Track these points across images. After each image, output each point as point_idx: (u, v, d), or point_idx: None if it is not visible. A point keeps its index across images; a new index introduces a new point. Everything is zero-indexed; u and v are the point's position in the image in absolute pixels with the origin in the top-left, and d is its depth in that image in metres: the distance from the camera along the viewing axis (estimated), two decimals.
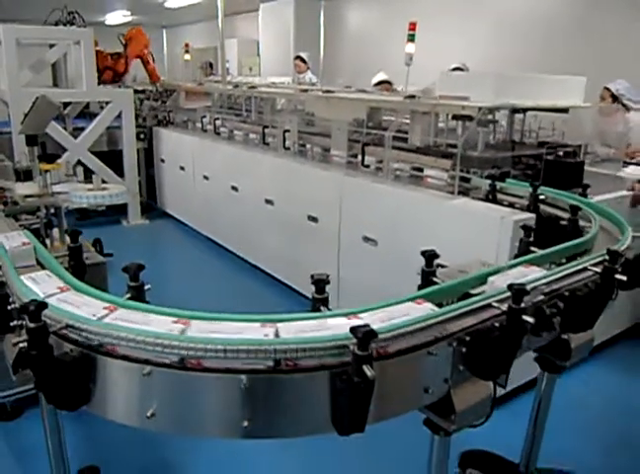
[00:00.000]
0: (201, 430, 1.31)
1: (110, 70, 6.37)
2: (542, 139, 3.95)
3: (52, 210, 2.82)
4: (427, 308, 1.40)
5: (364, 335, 1.11)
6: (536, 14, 6.89)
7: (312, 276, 1.43)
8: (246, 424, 1.20)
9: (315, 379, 1.20)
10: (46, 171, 2.63)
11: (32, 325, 1.21)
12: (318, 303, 1.45)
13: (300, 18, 9.86)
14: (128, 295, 1.46)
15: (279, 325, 1.27)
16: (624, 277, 1.69)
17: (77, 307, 1.36)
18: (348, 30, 9.88)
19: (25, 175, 2.84)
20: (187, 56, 8.47)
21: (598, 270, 1.71)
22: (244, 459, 2.64)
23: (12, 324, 1.60)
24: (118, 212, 6.29)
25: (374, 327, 1.15)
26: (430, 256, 1.66)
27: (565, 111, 3.73)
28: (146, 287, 1.50)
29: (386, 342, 1.23)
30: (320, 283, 1.43)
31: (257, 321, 1.28)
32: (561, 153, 3.51)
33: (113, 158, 6.46)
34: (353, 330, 1.12)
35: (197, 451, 2.68)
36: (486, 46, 7.35)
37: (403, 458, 2.57)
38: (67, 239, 2.85)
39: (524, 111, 3.78)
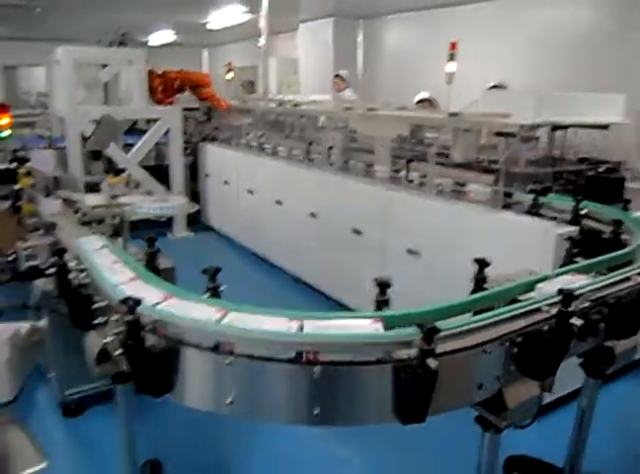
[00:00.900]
0: (276, 416, 1.44)
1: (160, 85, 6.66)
2: (583, 155, 4.02)
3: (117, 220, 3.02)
4: None
5: (429, 330, 1.23)
6: (575, 31, 6.94)
7: (376, 279, 1.57)
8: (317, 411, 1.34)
9: (380, 372, 1.33)
10: (114, 184, 2.83)
11: (130, 318, 1.37)
12: (380, 304, 1.58)
13: (339, 37, 10.07)
14: (207, 294, 1.62)
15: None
16: None
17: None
18: (386, 48, 10.06)
19: (93, 187, 3.07)
20: (229, 75, 8.74)
21: None
22: (297, 458, 2.78)
23: (95, 322, 1.79)
24: (163, 225, 6.52)
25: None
26: (482, 263, 1.77)
27: (605, 127, 3.80)
28: (221, 288, 1.66)
29: (447, 338, 1.36)
30: (383, 286, 1.56)
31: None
32: (601, 169, 3.57)
33: (159, 172, 6.73)
34: (419, 325, 1.25)
35: (252, 450, 2.83)
36: (525, 65, 7.41)
37: (452, 457, 2.65)
38: (132, 247, 3.06)
39: (565, 127, 3.85)
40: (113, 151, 5.81)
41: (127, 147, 6.35)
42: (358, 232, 4.14)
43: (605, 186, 3.33)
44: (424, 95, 6.14)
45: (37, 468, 2.68)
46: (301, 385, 1.32)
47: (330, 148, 4.67)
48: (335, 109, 5.22)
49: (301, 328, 1.34)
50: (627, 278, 1.84)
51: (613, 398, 3.14)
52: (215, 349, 1.35)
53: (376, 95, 9.11)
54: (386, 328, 1.36)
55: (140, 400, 2.22)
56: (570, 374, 2.18)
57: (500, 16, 7.81)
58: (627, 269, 1.87)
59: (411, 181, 3.86)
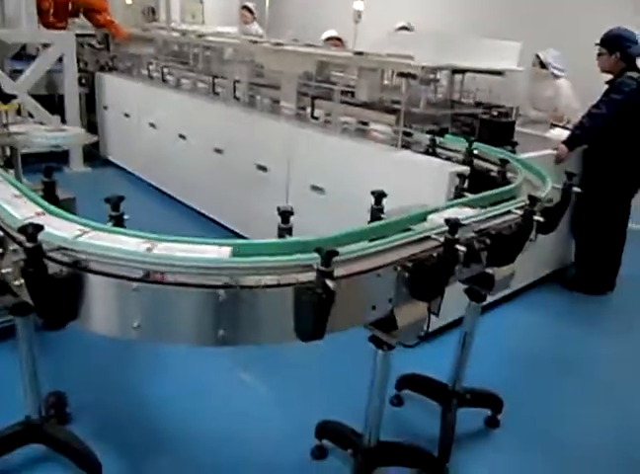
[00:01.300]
0: (182, 338, 1.50)
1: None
2: (479, 100, 4.23)
3: (8, 151, 2.86)
4: None
5: (328, 254, 1.33)
6: None
7: (278, 208, 1.63)
8: (222, 332, 1.41)
9: (283, 294, 1.41)
10: (5, 111, 2.66)
11: (29, 245, 1.35)
12: (283, 232, 1.66)
13: None
14: (111, 224, 1.62)
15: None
16: (542, 219, 1.98)
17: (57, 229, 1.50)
18: None
19: None
20: (128, 0, 8.20)
21: (520, 212, 1.99)
22: (201, 385, 2.88)
23: None
24: (58, 160, 6.18)
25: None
26: (379, 195, 1.89)
27: (500, 73, 4.01)
28: (125, 217, 1.66)
29: (344, 263, 1.46)
30: (285, 214, 1.64)
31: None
32: (495, 113, 3.79)
33: (52, 103, 6.31)
34: (317, 250, 1.33)
35: (156, 379, 2.89)
36: (430, 7, 7.54)
37: (349, 375, 2.85)
38: (25, 181, 2.92)
39: (464, 72, 4.02)
40: None
41: (16, 74, 5.87)
42: (263, 168, 4.17)
43: (497, 129, 3.55)
44: (331, 33, 6.12)
45: None
46: (207, 308, 1.38)
47: (236, 82, 4.59)
48: (241, 42, 5.09)
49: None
50: (508, 212, 2.03)
51: (493, 323, 3.49)
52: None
53: (284, 31, 8.93)
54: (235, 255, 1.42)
55: (41, 334, 2.22)
56: (457, 304, 2.42)
57: None
58: (508, 203, 2.06)
59: (316, 118, 3.91)
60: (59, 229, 1.49)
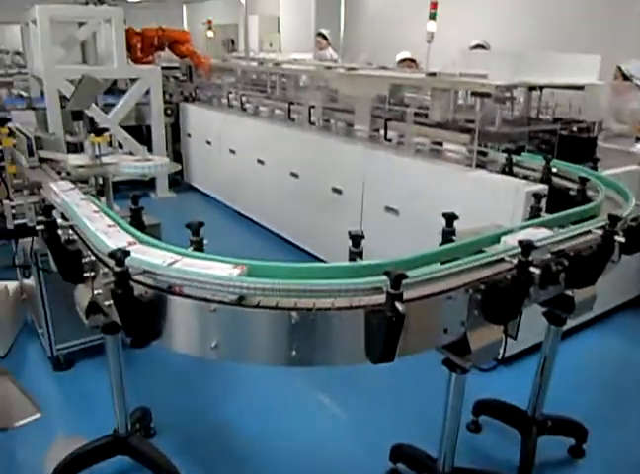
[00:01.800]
0: (256, 358, 1.55)
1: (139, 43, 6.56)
2: (558, 115, 4.10)
3: (101, 180, 3.07)
4: None
5: (397, 276, 1.34)
6: None
7: (349, 232, 1.67)
8: (294, 353, 1.45)
9: (354, 316, 1.44)
10: (97, 144, 2.87)
11: (118, 269, 1.46)
12: (354, 255, 1.69)
13: None
14: (191, 248, 1.71)
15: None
16: (623, 239, 1.90)
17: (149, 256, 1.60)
18: (368, 6, 9.96)
19: (76, 147, 3.11)
20: (210, 33, 8.63)
21: (600, 232, 1.92)
22: (279, 404, 2.94)
23: (85, 275, 1.87)
24: (145, 186, 6.56)
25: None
26: (450, 217, 1.89)
27: (580, 88, 3.88)
28: (205, 242, 1.75)
29: (415, 285, 1.47)
30: (356, 238, 1.67)
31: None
32: (575, 129, 3.67)
33: (140, 133, 6.72)
34: (387, 273, 1.36)
35: (235, 397, 2.98)
36: (506, 24, 7.44)
37: (424, 399, 2.82)
38: (115, 207, 3.13)
39: (541, 88, 3.93)
40: (93, 112, 5.79)
41: (108, 107, 6.31)
42: (338, 191, 4.23)
43: (577, 145, 3.44)
44: (405, 54, 6.17)
45: (31, 418, 2.82)
46: (280, 329, 1.43)
47: (311, 108, 4.71)
48: (316, 68, 5.22)
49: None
50: (587, 232, 1.97)
51: (575, 349, 3.35)
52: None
53: (358, 53, 9.05)
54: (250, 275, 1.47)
55: (128, 352, 2.36)
56: (538, 327, 2.35)
57: None
58: (587, 223, 1.99)
59: (389, 140, 3.93)
60: (146, 254, 1.60)
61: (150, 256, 1.58)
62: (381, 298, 1.41)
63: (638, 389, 3.16)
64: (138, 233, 1.79)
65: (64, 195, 2.22)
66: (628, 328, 3.79)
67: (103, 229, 1.83)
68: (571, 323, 3.20)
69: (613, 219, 1.88)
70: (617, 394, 3.10)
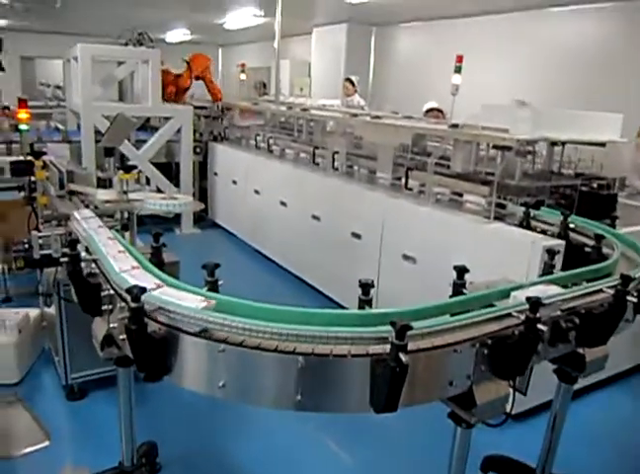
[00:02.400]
0: (262, 400, 1.58)
1: (172, 85, 6.82)
2: (580, 170, 4.13)
3: (126, 215, 3.17)
4: None
5: (401, 327, 1.37)
6: (580, 49, 7.09)
7: (360, 281, 1.70)
8: (299, 398, 1.47)
9: (358, 364, 1.46)
10: (126, 180, 2.98)
11: (134, 305, 1.52)
12: (363, 303, 1.72)
13: (352, 42, 10.25)
14: (206, 288, 1.76)
15: None
16: (635, 299, 1.90)
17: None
18: (397, 56, 10.21)
19: (106, 182, 3.23)
20: (242, 76, 8.89)
21: (612, 292, 1.92)
22: (287, 448, 2.92)
23: (103, 308, 1.93)
24: (171, 221, 6.70)
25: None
26: (460, 270, 1.91)
27: (602, 145, 3.91)
28: (220, 283, 1.80)
29: (420, 336, 1.49)
30: (366, 287, 1.70)
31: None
32: (595, 185, 3.69)
33: (169, 170, 6.91)
34: (392, 323, 1.38)
35: (243, 438, 2.97)
36: (529, 79, 7.56)
37: (430, 450, 2.78)
38: (138, 241, 3.21)
39: (563, 143, 3.97)
40: (125, 148, 6.00)
41: (139, 143, 6.52)
42: (357, 236, 4.28)
43: (597, 201, 3.46)
44: (432, 104, 6.28)
45: (40, 446, 2.85)
46: (286, 373, 1.46)
47: (335, 153, 4.81)
48: (342, 115, 5.35)
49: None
50: (599, 291, 1.97)
51: (589, 408, 3.29)
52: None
53: (385, 101, 9.25)
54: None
55: (139, 386, 2.39)
56: (550, 384, 2.33)
57: (508, 29, 7.97)
58: (599, 281, 1.99)
59: (410, 189, 3.99)
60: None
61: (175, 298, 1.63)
62: (386, 348, 1.43)
63: None
64: (142, 258, 1.86)
65: (88, 227, 2.32)
66: None
67: (113, 254, 1.91)
68: (585, 382, 3.16)
69: (625, 279, 1.89)
70: (629, 456, 3.02)
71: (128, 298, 1.53)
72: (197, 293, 1.65)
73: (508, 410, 1.85)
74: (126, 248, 2.08)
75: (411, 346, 1.43)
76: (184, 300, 1.58)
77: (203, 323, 1.49)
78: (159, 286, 1.70)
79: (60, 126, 7.21)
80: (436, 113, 6.23)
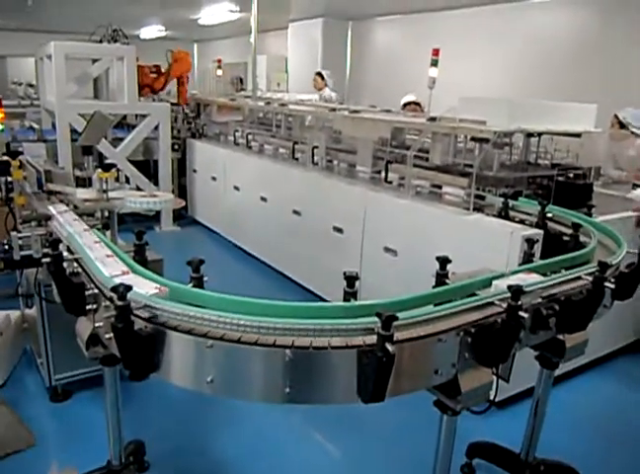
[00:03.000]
0: (251, 394, 1.59)
1: (148, 87, 6.75)
2: (556, 161, 4.20)
3: (107, 214, 3.15)
4: None
5: (387, 318, 1.39)
6: (555, 42, 7.18)
7: (344, 273, 1.72)
8: (288, 390, 1.49)
9: (345, 356, 1.48)
10: (105, 179, 2.96)
11: (120, 303, 1.51)
12: (348, 296, 1.74)
13: (328, 37, 10.24)
14: (191, 284, 1.76)
15: None
16: (613, 286, 1.95)
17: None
18: (374, 49, 10.23)
19: (85, 181, 3.20)
20: (219, 72, 8.85)
21: (590, 278, 1.97)
22: (274, 442, 2.94)
23: (88, 307, 1.92)
24: (151, 219, 6.66)
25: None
26: (443, 260, 1.94)
27: (577, 135, 3.98)
28: (205, 279, 1.80)
29: (405, 327, 1.52)
30: (351, 279, 1.72)
31: None
32: (571, 175, 3.76)
33: (147, 167, 6.86)
34: (378, 314, 1.40)
35: (229, 433, 2.98)
36: (506, 71, 7.64)
37: (417, 439, 2.82)
38: (119, 239, 3.19)
39: (539, 135, 4.03)
40: (102, 146, 5.93)
41: (117, 142, 6.45)
42: (338, 230, 4.31)
43: (573, 191, 3.52)
44: (410, 98, 6.32)
45: (24, 448, 2.82)
46: (274, 366, 1.47)
47: (314, 148, 4.82)
48: (320, 109, 5.36)
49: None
50: (578, 278, 2.01)
51: (571, 393, 3.36)
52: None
53: (363, 95, 9.28)
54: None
55: (125, 385, 2.38)
56: (531, 371, 2.38)
57: (484, 23, 8.03)
58: (578, 269, 2.04)
59: (390, 182, 4.02)
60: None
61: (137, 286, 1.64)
62: (373, 339, 1.45)
63: (632, 434, 3.15)
64: (132, 263, 1.86)
65: (64, 221, 2.32)
66: (625, 373, 3.79)
67: (101, 258, 1.91)
68: (567, 367, 3.23)
69: (602, 266, 1.93)
70: (611, 439, 3.10)
71: (114, 297, 1.53)
72: (158, 282, 1.70)
73: (491, 397, 1.89)
74: (105, 243, 2.08)
75: (397, 336, 1.45)
76: (138, 287, 1.62)
77: (185, 318, 1.50)
78: (124, 273, 1.74)
79: (35, 126, 7.09)
80: (414, 106, 6.27)
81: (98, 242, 2.12)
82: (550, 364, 2.29)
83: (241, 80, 10.06)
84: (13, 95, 9.50)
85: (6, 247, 2.47)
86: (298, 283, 4.95)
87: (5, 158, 3.34)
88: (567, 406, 3.24)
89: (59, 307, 1.98)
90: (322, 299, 4.50)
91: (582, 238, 2.52)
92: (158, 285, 1.66)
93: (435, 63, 4.90)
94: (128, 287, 1.53)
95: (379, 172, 4.22)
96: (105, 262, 1.90)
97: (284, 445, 2.94)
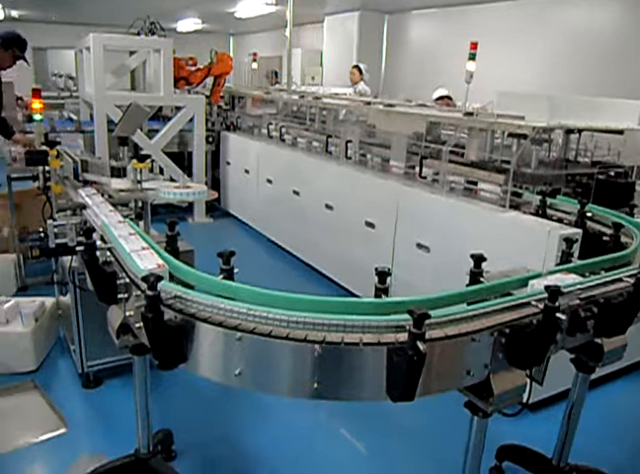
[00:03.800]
0: (278, 388, 1.58)
1: (184, 80, 6.78)
2: (597, 159, 4.08)
3: (140, 204, 3.18)
4: None
5: (419, 316, 1.36)
6: (599, 36, 6.97)
7: (376, 269, 1.69)
8: (316, 386, 1.47)
9: (376, 353, 1.45)
10: (139, 169, 2.98)
11: (150, 293, 1.51)
12: (379, 292, 1.71)
13: (364, 30, 10.17)
14: (221, 276, 1.76)
15: None
16: None
17: None
18: (410, 43, 10.11)
19: (119, 172, 3.24)
20: (254, 65, 8.88)
21: (631, 281, 1.89)
22: (300, 436, 2.94)
23: (119, 296, 1.93)
24: (184, 210, 6.73)
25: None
26: (478, 258, 1.89)
27: (620, 132, 3.86)
28: (235, 271, 1.79)
29: (438, 325, 1.48)
30: (382, 275, 1.69)
31: None
32: (613, 173, 3.64)
33: (181, 159, 6.92)
34: (410, 311, 1.37)
35: (257, 425, 2.99)
36: (545, 67, 7.46)
37: (445, 440, 2.78)
38: (152, 230, 3.21)
39: (579, 131, 3.92)
40: (138, 137, 6.01)
41: (152, 133, 6.52)
42: (371, 225, 4.26)
43: (614, 190, 3.41)
44: (442, 92, 6.23)
45: (55, 433, 2.88)
46: (302, 361, 1.45)
47: (348, 142, 4.78)
48: (355, 103, 5.32)
49: None
50: (619, 280, 1.94)
51: (607, 398, 3.26)
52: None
53: (398, 89, 9.18)
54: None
55: (155, 374, 2.40)
56: (568, 373, 2.31)
57: (522, 16, 7.85)
58: (619, 270, 1.97)
59: (424, 177, 3.96)
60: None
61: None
62: (403, 336, 1.42)
63: None
64: (170, 257, 1.86)
65: (103, 216, 2.33)
66: None
67: (137, 250, 1.91)
68: (604, 371, 3.14)
69: None
70: None
71: (145, 286, 1.53)
72: (189, 274, 1.72)
73: (524, 400, 1.84)
74: (140, 234, 2.09)
75: (429, 334, 1.41)
76: (141, 260, 1.77)
77: (215, 310, 1.50)
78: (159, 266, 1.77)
79: (73, 116, 7.22)
80: (446, 100, 6.18)
81: (133, 234, 2.12)
82: (587, 368, 2.22)
83: (276, 73, 10.08)
84: (53, 86, 9.70)
85: (42, 235, 2.50)
86: (329, 278, 4.93)
87: (43, 148, 3.40)
88: (602, 411, 3.15)
89: (92, 295, 2.01)
90: (353, 295, 4.47)
91: (623, 239, 2.43)
92: (160, 262, 1.77)
93: (472, 57, 4.82)
94: (159, 277, 1.53)
95: (413, 167, 4.16)
96: (141, 255, 1.90)
97: (311, 440, 2.93)
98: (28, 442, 2.79)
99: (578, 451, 2.42)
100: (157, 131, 6.48)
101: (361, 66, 8.02)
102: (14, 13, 12.57)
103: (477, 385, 1.66)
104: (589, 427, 2.44)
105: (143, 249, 1.93)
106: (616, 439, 3.02)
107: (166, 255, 1.88)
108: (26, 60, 4.69)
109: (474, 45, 4.85)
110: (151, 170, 3.33)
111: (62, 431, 2.89)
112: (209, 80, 7.18)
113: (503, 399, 1.69)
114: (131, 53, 6.69)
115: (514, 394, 1.72)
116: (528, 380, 1.80)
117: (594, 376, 2.34)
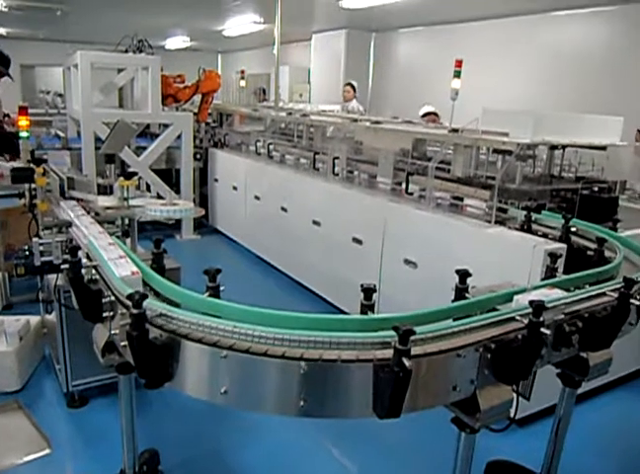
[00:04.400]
0: (265, 406, 1.57)
1: (171, 97, 6.81)
2: (581, 174, 4.13)
3: (127, 221, 3.17)
4: None
5: (404, 332, 1.36)
6: (578, 53, 7.12)
7: (362, 286, 1.70)
8: (302, 404, 1.46)
9: (361, 370, 1.45)
10: (126, 187, 2.98)
11: (135, 311, 1.51)
12: (365, 308, 1.71)
13: (351, 48, 10.28)
14: (207, 293, 1.75)
15: None
16: (638, 303, 1.89)
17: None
18: (397, 61, 10.23)
19: (106, 189, 3.23)
20: (242, 83, 8.92)
21: (615, 295, 1.91)
22: (288, 454, 2.91)
23: (104, 315, 1.92)
24: (171, 227, 6.70)
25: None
26: (463, 274, 1.90)
27: (603, 148, 3.91)
28: (221, 288, 1.79)
29: (423, 341, 1.48)
30: (368, 292, 1.70)
31: None
32: (596, 188, 3.68)
33: (169, 176, 6.91)
34: (395, 328, 1.37)
35: (245, 444, 2.96)
36: (530, 84, 7.58)
37: (433, 456, 2.77)
38: (139, 247, 3.20)
39: (563, 147, 3.97)
40: (125, 155, 5.99)
41: (140, 150, 6.52)
42: (358, 241, 4.28)
43: (598, 205, 3.45)
44: (428, 108, 6.31)
45: (40, 454, 2.83)
46: (288, 379, 1.45)
47: (335, 158, 4.81)
48: (342, 120, 5.36)
49: None
50: (602, 294, 1.96)
51: (595, 412, 3.27)
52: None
53: (385, 106, 9.28)
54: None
55: (141, 393, 2.38)
56: (554, 388, 2.32)
57: (507, 34, 7.99)
58: (602, 285, 1.99)
59: (411, 193, 3.99)
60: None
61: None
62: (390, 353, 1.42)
63: None
64: (143, 265, 1.86)
65: (88, 234, 2.33)
66: None
67: (114, 258, 1.94)
68: (591, 385, 3.15)
69: (629, 282, 1.88)
70: (635, 460, 3.00)
71: (130, 304, 1.53)
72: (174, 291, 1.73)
73: (511, 415, 1.84)
74: (123, 249, 2.09)
75: (414, 350, 1.42)
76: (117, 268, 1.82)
77: (200, 328, 1.49)
78: (134, 274, 1.83)
79: (61, 134, 7.20)
80: (432, 116, 6.26)
81: (112, 244, 2.13)
82: (573, 383, 2.23)
83: (264, 91, 10.12)
84: (41, 103, 9.67)
85: (27, 253, 2.49)
86: (317, 294, 4.92)
87: (30, 165, 3.39)
88: (590, 425, 3.16)
89: (78, 314, 1.99)
90: (341, 311, 4.47)
91: (607, 253, 2.47)
92: (135, 269, 1.83)
93: (457, 75, 4.86)
94: (144, 295, 1.52)
95: (400, 183, 4.18)
96: (117, 263, 1.91)
97: (299, 458, 2.91)
98: (12, 464, 2.74)
99: (566, 466, 2.42)
100: (145, 149, 6.48)
101: (354, 83, 8.10)
102: (1, 30, 12.57)
103: (464, 401, 1.66)
104: (577, 441, 2.44)
105: (120, 257, 1.96)
106: (604, 454, 3.03)
107: (153, 273, 1.87)
108: (10, 76, 4.68)
109: (459, 63, 4.91)
110: (138, 187, 3.32)
111: (47, 451, 2.84)
112: (197, 97, 7.21)
113: (490, 414, 1.69)
114: (119, 71, 6.71)
115: (501, 409, 1.72)
116: (515, 395, 1.81)
117: (580, 391, 2.35)
